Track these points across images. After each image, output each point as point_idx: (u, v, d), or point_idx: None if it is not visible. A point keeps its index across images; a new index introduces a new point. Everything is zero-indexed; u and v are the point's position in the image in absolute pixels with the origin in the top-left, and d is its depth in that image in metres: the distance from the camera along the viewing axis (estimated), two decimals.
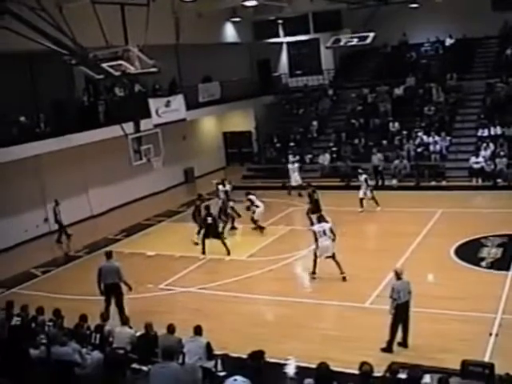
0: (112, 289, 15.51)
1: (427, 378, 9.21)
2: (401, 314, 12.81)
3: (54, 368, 9.41)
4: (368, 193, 24.64)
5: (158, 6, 18.78)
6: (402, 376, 8.95)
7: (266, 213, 23.98)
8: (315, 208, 22.50)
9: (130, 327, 12.76)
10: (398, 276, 12.91)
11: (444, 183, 27.64)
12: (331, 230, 17.59)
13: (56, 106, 24.49)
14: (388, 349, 12.84)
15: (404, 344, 13.02)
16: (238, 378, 7.82)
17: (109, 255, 15.95)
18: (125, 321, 13.20)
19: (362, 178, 24.80)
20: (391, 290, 12.84)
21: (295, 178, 28.36)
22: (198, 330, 11.30)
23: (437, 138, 29.40)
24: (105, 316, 13.74)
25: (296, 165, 28.96)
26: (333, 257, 17.47)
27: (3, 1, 12.68)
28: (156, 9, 18.50)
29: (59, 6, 19.07)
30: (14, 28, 12.92)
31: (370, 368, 8.56)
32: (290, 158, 30.37)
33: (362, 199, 24.56)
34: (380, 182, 28.26)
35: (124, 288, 15.68)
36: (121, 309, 15.27)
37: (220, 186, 24.46)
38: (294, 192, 28.19)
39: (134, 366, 10.14)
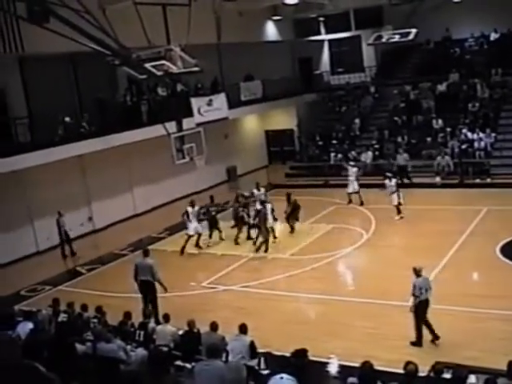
0: (146, 286, 15.74)
1: (472, 378, 9.07)
2: (422, 310, 12.95)
3: (100, 364, 9.54)
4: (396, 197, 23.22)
5: (199, 5, 18.94)
6: (447, 376, 8.84)
7: (308, 211, 24.10)
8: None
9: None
10: (418, 273, 13.05)
11: (489, 181, 27.15)
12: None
13: (99, 106, 24.85)
14: (418, 343, 13.04)
15: (435, 337, 13.11)
16: (284, 375, 7.81)
17: (145, 253, 16.23)
18: (148, 316, 13.57)
19: (393, 182, 23.47)
20: (413, 287, 12.94)
21: (353, 186, 26.05)
22: (243, 329, 11.27)
23: (481, 134, 28.89)
24: (147, 312, 13.96)
25: (354, 169, 26.34)
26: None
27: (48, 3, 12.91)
28: (197, 8, 18.63)
29: (102, 7, 19.38)
30: (58, 30, 13.12)
31: (415, 368, 8.45)
32: (350, 162, 28.03)
33: (399, 205, 23.25)
34: (407, 181, 28.19)
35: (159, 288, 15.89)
36: (155, 307, 15.46)
37: (255, 191, 24.25)
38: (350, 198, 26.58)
39: (178, 363, 10.22)
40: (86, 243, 24.79)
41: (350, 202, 26.22)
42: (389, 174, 24.04)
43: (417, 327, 13.07)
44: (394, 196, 23.26)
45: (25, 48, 20.45)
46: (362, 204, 25.85)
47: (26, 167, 21.74)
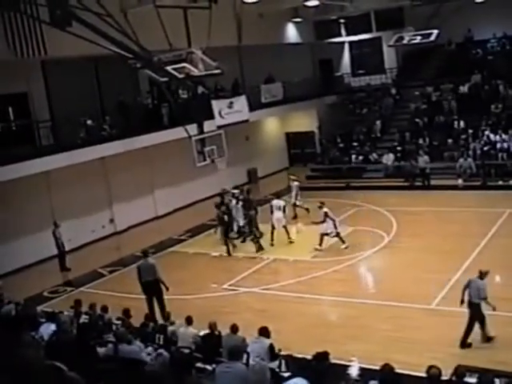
0: (151, 286, 15.92)
1: (497, 382, 8.98)
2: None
3: (122, 365, 9.57)
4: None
5: (219, 8, 18.91)
6: (471, 380, 8.75)
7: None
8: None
9: (173, 322, 13.18)
10: (484, 276, 13.03)
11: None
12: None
13: (121, 108, 24.98)
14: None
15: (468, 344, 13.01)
16: (297, 381, 7.77)
17: (146, 254, 16.75)
18: (166, 317, 13.76)
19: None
20: (485, 291, 12.92)
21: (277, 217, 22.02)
22: (262, 332, 11.16)
23: (504, 136, 28.59)
24: (150, 316, 14.00)
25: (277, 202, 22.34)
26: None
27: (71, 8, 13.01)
28: (218, 11, 18.65)
29: (124, 11, 19.50)
30: (81, 34, 13.22)
31: (439, 372, 8.32)
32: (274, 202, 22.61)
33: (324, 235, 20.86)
34: (426, 183, 28.31)
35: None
36: (161, 305, 15.71)
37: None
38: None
39: (199, 365, 10.23)
40: (107, 245, 24.98)
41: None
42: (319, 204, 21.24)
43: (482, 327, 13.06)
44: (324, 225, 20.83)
45: (47, 51, 20.61)
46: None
47: (49, 170, 21.95)
